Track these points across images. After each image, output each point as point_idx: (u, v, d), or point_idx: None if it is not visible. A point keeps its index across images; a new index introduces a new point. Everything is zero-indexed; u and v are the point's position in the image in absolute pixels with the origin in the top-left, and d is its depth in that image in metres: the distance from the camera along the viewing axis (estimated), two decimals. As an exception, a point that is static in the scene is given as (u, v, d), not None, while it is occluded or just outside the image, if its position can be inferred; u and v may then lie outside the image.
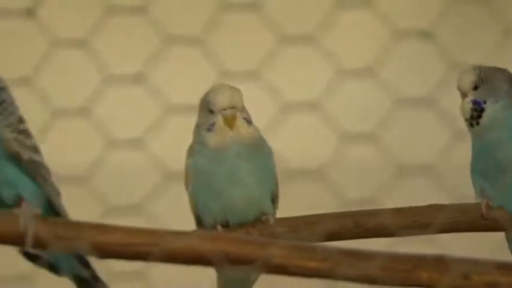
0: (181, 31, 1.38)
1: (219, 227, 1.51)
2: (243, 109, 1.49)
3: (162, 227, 1.31)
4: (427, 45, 1.73)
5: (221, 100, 1.46)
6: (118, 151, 1.28)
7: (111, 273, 1.34)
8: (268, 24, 1.34)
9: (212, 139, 1.48)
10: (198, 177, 1.51)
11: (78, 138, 1.50)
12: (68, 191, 1.33)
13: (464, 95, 1.54)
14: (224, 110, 1.46)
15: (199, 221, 1.54)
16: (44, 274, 1.45)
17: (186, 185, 1.53)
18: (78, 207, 1.38)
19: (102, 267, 1.38)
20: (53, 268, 1.44)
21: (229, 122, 1.47)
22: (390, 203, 1.46)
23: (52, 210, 1.38)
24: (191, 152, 1.51)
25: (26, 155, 1.35)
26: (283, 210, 1.53)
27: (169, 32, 1.33)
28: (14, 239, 1.30)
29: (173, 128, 1.39)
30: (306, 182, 1.32)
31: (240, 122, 1.47)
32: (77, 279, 1.44)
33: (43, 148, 1.31)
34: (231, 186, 1.48)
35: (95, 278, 1.43)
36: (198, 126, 1.50)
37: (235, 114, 1.47)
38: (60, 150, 1.38)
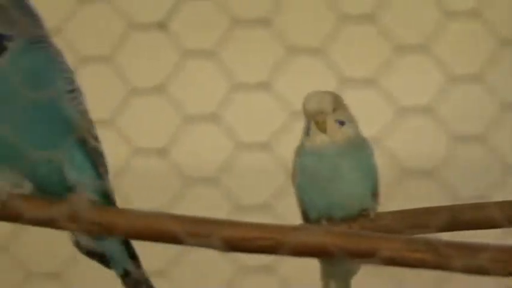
0: (303, 42, 1.41)
1: (324, 221, 1.53)
2: (336, 111, 1.52)
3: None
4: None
5: (310, 107, 1.50)
6: (246, 153, 1.29)
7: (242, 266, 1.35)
8: (384, 35, 1.37)
9: (309, 142, 1.53)
10: (303, 176, 1.53)
11: (208, 142, 1.51)
12: (199, 190, 1.35)
13: None
14: (315, 115, 1.52)
15: (305, 215, 1.56)
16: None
17: (293, 182, 1.55)
18: (209, 205, 1.44)
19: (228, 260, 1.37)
20: (104, 260, 1.46)
21: (320, 127, 1.51)
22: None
23: (106, 199, 1.41)
24: (297, 152, 1.54)
25: (91, 142, 1.37)
26: (400, 206, 1.53)
27: (292, 42, 1.37)
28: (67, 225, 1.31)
29: (296, 131, 1.44)
30: (420, 180, 1.35)
31: (330, 125, 1.52)
32: (124, 271, 1.47)
33: (176, 151, 1.31)
34: (333, 184, 1.51)
35: (140, 272, 1.47)
36: (303, 130, 1.56)
37: (324, 118, 1.52)
38: (191, 153, 1.40)
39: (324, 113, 1.49)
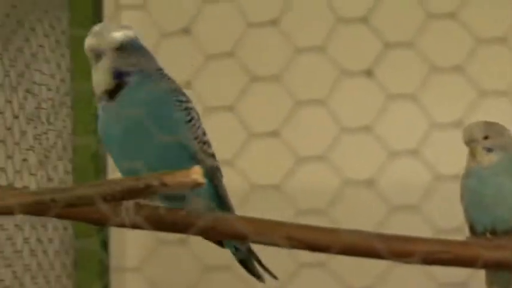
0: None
1: (488, 234, 1.63)
2: (487, 139, 1.61)
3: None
4: None
5: (464, 136, 1.62)
6: (398, 160, 1.34)
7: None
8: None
9: (468, 166, 1.64)
10: (469, 195, 1.64)
11: (363, 151, 1.53)
12: (355, 192, 1.40)
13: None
14: (468, 143, 1.63)
15: (471, 228, 1.66)
16: None
17: (461, 200, 1.66)
18: (364, 206, 1.48)
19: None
20: (219, 241, 1.59)
21: (471, 153, 1.63)
22: None
23: (222, 206, 1.52)
24: (464, 174, 1.66)
25: (207, 162, 1.47)
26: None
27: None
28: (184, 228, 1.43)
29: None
30: None
31: (478, 152, 1.62)
32: (234, 248, 1.59)
33: (333, 158, 1.34)
34: (493, 203, 1.60)
35: (250, 251, 1.57)
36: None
37: (474, 147, 1.62)
38: (347, 160, 1.45)
39: (475, 142, 1.63)
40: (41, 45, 1.95)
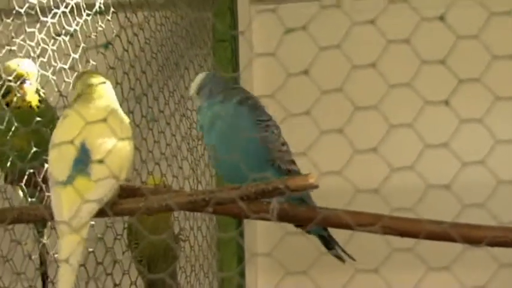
0: None
1: None
2: None
3: None
4: None
5: None
6: (468, 168, 1.23)
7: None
8: None
9: None
10: None
11: (442, 162, 1.50)
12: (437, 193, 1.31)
13: None
14: None
15: None
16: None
17: None
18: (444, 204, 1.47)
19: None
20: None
21: None
22: None
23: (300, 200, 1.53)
24: None
25: (284, 165, 1.54)
26: None
27: None
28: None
29: None
30: None
31: None
32: (320, 236, 1.60)
33: (418, 169, 1.25)
34: None
35: (330, 237, 1.57)
36: None
37: None
38: (430, 168, 1.43)
39: None
40: (191, 81, 2.00)
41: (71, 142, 1.31)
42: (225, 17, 2.00)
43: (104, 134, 1.35)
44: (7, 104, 1.59)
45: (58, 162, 1.35)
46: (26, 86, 1.61)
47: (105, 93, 1.45)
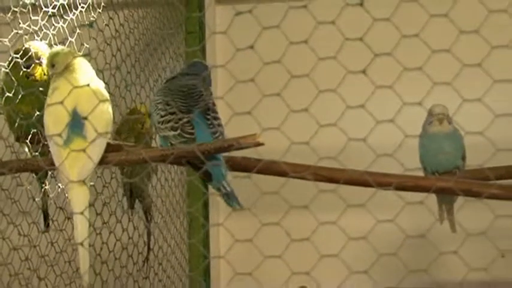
0: None
1: (435, 174, 1.58)
2: (448, 115, 1.55)
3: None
4: None
5: (437, 110, 1.55)
6: (381, 126, 1.24)
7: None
8: None
9: (431, 129, 1.57)
10: (423, 148, 1.58)
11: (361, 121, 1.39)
12: (356, 145, 1.30)
13: None
14: (438, 115, 1.55)
15: (425, 169, 1.60)
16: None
17: (420, 151, 1.61)
18: (362, 155, 1.39)
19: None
20: (208, 176, 1.33)
21: (439, 122, 1.56)
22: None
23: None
24: (423, 134, 1.59)
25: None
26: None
27: None
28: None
29: None
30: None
31: (445, 122, 1.55)
32: (219, 189, 1.34)
33: (341, 126, 1.26)
34: (441, 153, 1.55)
35: (232, 191, 1.35)
36: (424, 123, 1.59)
37: (443, 118, 1.55)
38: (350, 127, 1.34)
39: (444, 115, 1.57)
40: (167, 65, 1.94)
41: (65, 109, 1.29)
42: (195, 13, 1.95)
43: (90, 100, 1.30)
44: (27, 76, 1.54)
45: (55, 126, 1.31)
46: (41, 65, 1.56)
47: (84, 67, 1.40)
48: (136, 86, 1.74)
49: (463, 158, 1.57)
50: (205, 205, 2.01)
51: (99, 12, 1.61)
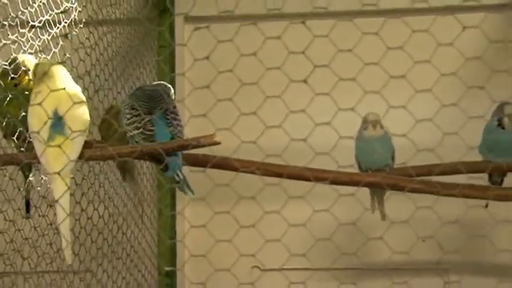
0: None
1: (370, 171, 1.51)
2: (379, 122, 1.51)
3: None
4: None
5: (371, 117, 1.50)
6: (320, 128, 1.20)
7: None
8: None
9: (366, 133, 1.52)
10: (362, 149, 1.53)
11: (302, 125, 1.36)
12: (298, 145, 1.28)
13: None
14: (373, 121, 1.50)
15: (359, 167, 1.54)
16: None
17: (356, 151, 1.54)
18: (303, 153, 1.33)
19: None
20: (165, 167, 1.28)
21: (373, 127, 1.50)
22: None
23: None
24: (358, 136, 1.53)
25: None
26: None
27: None
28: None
29: None
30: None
31: (377, 127, 1.50)
32: (173, 178, 1.31)
33: (286, 127, 1.25)
34: (373, 153, 1.51)
35: (185, 181, 1.32)
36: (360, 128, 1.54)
37: (376, 124, 1.50)
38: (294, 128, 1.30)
39: (377, 121, 1.51)
40: (141, 73, 1.87)
41: (47, 110, 1.27)
42: (166, 30, 1.90)
43: (69, 102, 1.27)
44: (15, 85, 1.47)
45: (39, 125, 1.27)
46: (29, 73, 1.48)
47: (62, 74, 1.35)
48: (113, 91, 1.68)
49: (393, 157, 1.53)
50: (173, 196, 1.95)
51: (80, 27, 1.54)
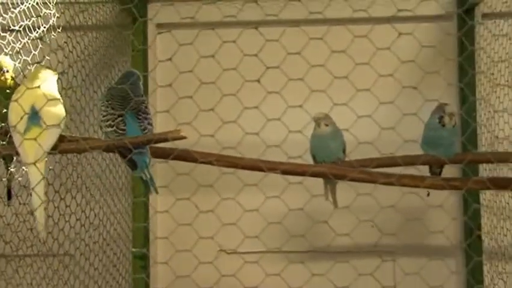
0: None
1: (322, 164, 1.49)
2: (325, 119, 1.49)
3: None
4: None
5: (316, 116, 1.48)
6: (273, 124, 1.21)
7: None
8: None
9: (315, 130, 1.50)
10: (314, 144, 1.51)
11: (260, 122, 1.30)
12: (255, 139, 1.25)
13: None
14: (317, 120, 1.49)
15: (314, 159, 1.51)
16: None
17: (311, 146, 1.51)
18: (260, 148, 1.31)
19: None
20: (133, 165, 1.27)
21: (317, 125, 1.49)
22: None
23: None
24: (312, 134, 1.51)
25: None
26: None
27: None
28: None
29: None
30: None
31: (322, 125, 1.49)
32: (141, 176, 1.28)
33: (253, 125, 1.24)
34: (325, 148, 1.49)
35: (151, 179, 1.29)
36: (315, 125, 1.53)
37: (320, 122, 1.49)
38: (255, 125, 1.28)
39: (321, 119, 1.48)
40: (116, 74, 1.83)
41: (25, 105, 1.26)
42: (139, 35, 1.86)
43: (46, 99, 1.26)
44: None
45: (17, 119, 1.26)
46: (6, 73, 1.47)
47: (42, 76, 1.34)
48: (89, 91, 1.64)
49: (344, 151, 1.52)
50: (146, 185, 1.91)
51: (58, 31, 1.50)
